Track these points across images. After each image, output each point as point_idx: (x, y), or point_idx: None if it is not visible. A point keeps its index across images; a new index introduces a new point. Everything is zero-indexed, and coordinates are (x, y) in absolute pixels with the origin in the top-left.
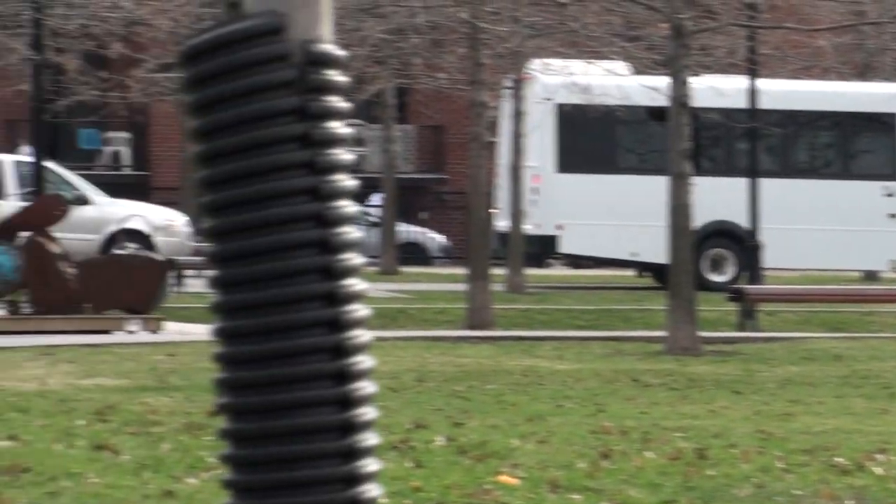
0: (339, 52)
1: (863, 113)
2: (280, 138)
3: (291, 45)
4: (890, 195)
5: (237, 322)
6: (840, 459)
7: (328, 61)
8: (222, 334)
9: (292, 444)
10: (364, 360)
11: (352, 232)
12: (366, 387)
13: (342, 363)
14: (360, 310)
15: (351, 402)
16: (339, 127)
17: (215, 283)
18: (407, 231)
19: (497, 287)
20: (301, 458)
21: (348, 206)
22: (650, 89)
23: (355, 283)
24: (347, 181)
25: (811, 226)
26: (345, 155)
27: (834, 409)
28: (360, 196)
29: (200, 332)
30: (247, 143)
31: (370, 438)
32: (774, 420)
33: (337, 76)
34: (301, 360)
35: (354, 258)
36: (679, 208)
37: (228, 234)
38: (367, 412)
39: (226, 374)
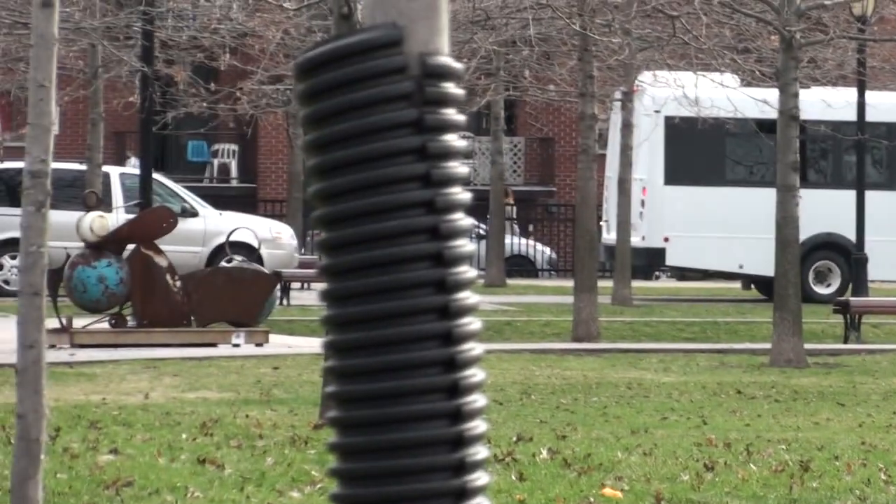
0: (457, 65)
1: None
2: (396, 151)
3: (409, 58)
4: None
5: (349, 335)
6: None
7: (445, 74)
8: (333, 347)
9: (403, 458)
10: (476, 374)
11: (465, 245)
12: (477, 400)
13: (455, 376)
14: (472, 323)
15: (463, 415)
16: (454, 140)
17: (327, 296)
18: (514, 243)
19: (603, 299)
20: (412, 472)
21: (462, 219)
22: (759, 102)
23: (468, 297)
24: (462, 194)
25: None
26: (460, 168)
27: None
28: (475, 210)
29: (305, 345)
30: (363, 156)
31: (481, 452)
32: (878, 432)
33: (454, 89)
34: (414, 374)
35: (468, 271)
36: (786, 221)
37: (342, 246)
38: (478, 425)
39: (336, 388)
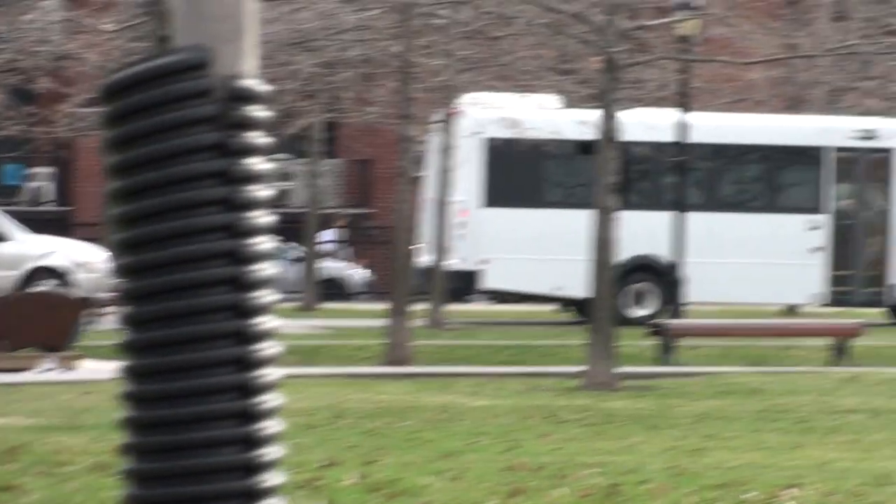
0: (263, 88)
1: (790, 146)
2: (198, 175)
3: (214, 81)
4: (814, 228)
5: (145, 360)
6: (751, 494)
7: (251, 97)
8: (130, 372)
9: (195, 484)
10: (272, 399)
11: (266, 269)
12: (272, 426)
13: (248, 402)
14: (270, 348)
15: (256, 441)
16: (258, 163)
17: (127, 320)
18: (328, 267)
19: (419, 322)
20: (203, 498)
21: (263, 243)
22: (580, 123)
23: (267, 321)
24: (264, 217)
25: (736, 259)
26: (263, 191)
27: (748, 443)
28: (292, 233)
29: (116, 369)
30: (163, 179)
31: (274, 478)
32: (688, 455)
33: (259, 112)
34: (207, 399)
35: (267, 295)
36: (602, 242)
37: (141, 271)
38: (273, 451)
39: (129, 413)
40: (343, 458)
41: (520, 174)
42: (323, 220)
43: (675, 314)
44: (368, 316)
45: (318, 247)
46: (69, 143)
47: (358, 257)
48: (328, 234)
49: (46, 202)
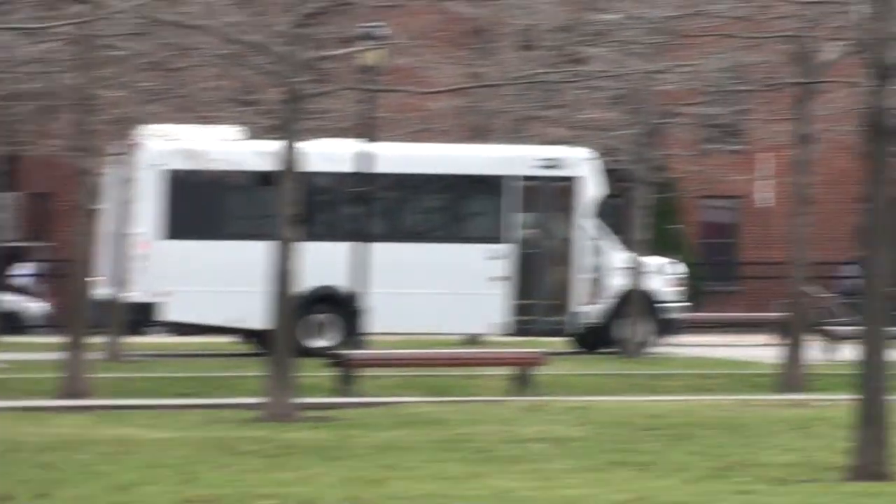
0: None
1: (473, 175)
2: None
3: None
4: (495, 258)
5: None
6: None
7: None
8: None
9: None
10: None
11: None
12: None
13: None
14: None
15: None
16: None
17: None
18: (5, 300)
19: (97, 355)
20: None
21: None
22: (261, 154)
23: None
24: None
25: (418, 289)
26: None
27: (429, 473)
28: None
29: None
30: None
31: None
32: (368, 485)
33: None
34: None
35: None
36: (282, 274)
37: None
38: None
39: None
40: (16, 492)
41: (201, 206)
42: (11, 253)
43: (357, 345)
44: (45, 349)
45: (12, 280)
46: None
47: (24, 290)
48: (24, 268)
49: None
